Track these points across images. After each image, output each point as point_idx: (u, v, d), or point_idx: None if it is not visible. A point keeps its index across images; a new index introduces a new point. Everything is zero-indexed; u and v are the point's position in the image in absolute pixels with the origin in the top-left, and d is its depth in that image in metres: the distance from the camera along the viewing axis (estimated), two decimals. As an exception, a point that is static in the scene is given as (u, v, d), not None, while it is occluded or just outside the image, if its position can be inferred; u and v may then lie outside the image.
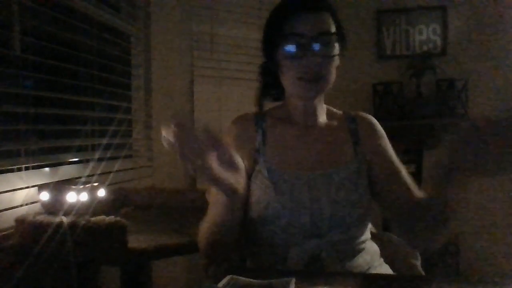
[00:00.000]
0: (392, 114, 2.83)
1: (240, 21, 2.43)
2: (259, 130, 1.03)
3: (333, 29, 0.97)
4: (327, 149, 1.01)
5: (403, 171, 1.01)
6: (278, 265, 0.95)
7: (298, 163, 0.99)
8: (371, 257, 1.01)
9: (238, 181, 0.83)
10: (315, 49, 0.94)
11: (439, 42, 2.95)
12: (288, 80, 0.99)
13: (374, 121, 1.09)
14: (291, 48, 0.95)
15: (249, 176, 0.99)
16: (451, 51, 2.94)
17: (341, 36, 0.99)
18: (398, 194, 0.99)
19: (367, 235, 1.03)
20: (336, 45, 0.97)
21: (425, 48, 2.96)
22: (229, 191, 0.82)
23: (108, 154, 1.65)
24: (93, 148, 1.64)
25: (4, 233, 1.12)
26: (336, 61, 0.99)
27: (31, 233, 1.07)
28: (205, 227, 0.97)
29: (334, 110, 1.11)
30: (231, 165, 0.80)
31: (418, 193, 0.96)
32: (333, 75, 0.99)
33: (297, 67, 0.96)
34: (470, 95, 2.84)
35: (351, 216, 0.95)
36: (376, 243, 1.07)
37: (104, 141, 1.65)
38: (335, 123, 1.06)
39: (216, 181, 0.77)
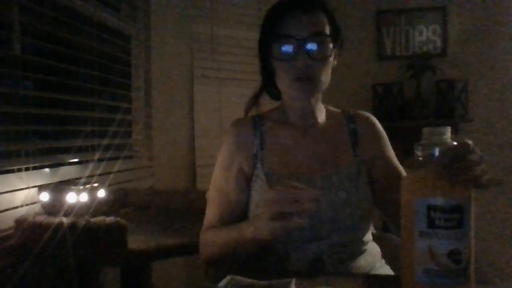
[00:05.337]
0: (392, 114, 2.83)
1: (240, 21, 2.43)
2: (257, 134, 1.02)
3: (327, 29, 0.96)
4: (326, 151, 1.01)
5: (403, 173, 0.99)
6: (279, 267, 0.94)
7: (297, 166, 0.98)
8: (373, 259, 1.00)
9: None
10: (307, 50, 0.92)
11: (439, 42, 2.96)
12: (283, 81, 0.98)
13: (374, 120, 1.07)
14: (283, 49, 0.94)
15: (248, 181, 0.99)
16: (451, 52, 2.94)
17: (336, 36, 0.98)
18: (396, 197, 0.97)
19: (369, 236, 1.02)
20: (330, 46, 0.95)
21: (425, 48, 2.96)
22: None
23: (108, 155, 1.65)
24: (93, 148, 1.64)
25: (4, 233, 1.12)
26: (331, 62, 0.97)
27: (31, 233, 1.07)
28: (216, 241, 0.97)
29: (332, 109, 1.10)
30: None
31: None
32: (327, 76, 0.97)
33: (290, 68, 0.94)
34: (470, 96, 2.84)
35: (352, 218, 0.94)
36: (376, 244, 1.07)
37: (104, 141, 1.65)
38: (333, 123, 1.05)
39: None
